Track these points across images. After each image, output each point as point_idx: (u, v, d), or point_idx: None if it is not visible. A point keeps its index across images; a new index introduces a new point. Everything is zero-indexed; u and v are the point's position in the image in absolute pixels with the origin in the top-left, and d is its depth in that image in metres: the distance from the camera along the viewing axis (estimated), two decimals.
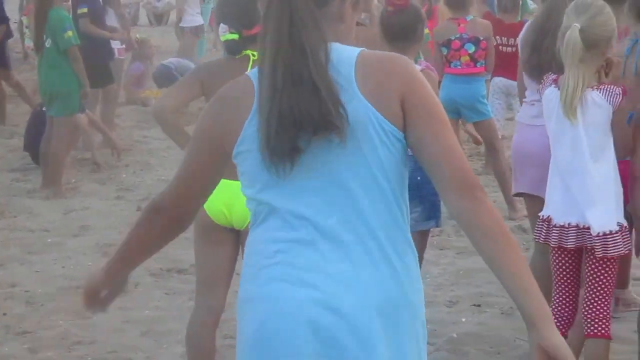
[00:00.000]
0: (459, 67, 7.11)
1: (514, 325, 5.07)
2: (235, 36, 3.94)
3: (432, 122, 2.22)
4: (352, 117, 2.18)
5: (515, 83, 8.14)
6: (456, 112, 7.20)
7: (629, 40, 4.39)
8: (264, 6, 2.23)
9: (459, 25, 7.10)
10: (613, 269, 4.10)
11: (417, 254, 2.33)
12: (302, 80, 2.16)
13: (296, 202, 2.22)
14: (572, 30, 3.94)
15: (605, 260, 4.05)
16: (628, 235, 4.17)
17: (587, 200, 4.06)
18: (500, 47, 7.91)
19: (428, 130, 2.22)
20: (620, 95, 4.06)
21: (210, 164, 2.34)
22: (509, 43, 7.99)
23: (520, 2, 8.67)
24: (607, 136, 4.11)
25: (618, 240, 4.05)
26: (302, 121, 2.16)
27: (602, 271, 4.07)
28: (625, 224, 4.12)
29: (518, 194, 5.19)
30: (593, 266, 4.08)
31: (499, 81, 8.12)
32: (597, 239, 4.02)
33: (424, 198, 4.77)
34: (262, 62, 2.21)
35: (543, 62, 4.56)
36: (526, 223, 7.03)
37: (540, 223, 4.23)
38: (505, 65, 7.82)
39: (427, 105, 2.25)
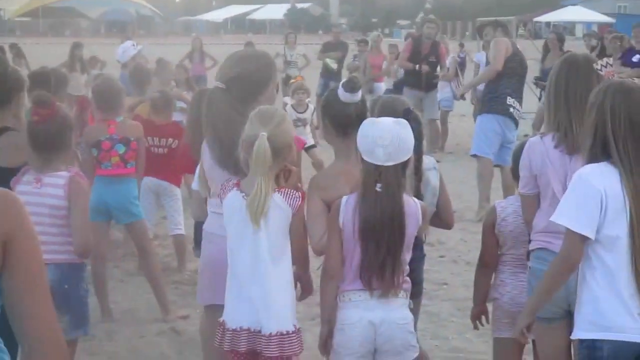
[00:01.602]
0: (110, 168, 7.02)
1: None
2: None
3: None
4: None
5: (165, 183, 8.24)
6: (107, 214, 7.09)
7: None
8: None
9: (109, 126, 7.03)
10: None
11: None
12: None
13: None
14: (261, 139, 4.07)
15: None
16: (301, 337, 4.25)
17: (264, 304, 4.12)
18: (152, 148, 7.94)
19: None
20: (300, 199, 4.19)
21: None
22: (161, 144, 8.06)
23: (175, 103, 8.82)
24: (286, 239, 4.20)
25: (294, 340, 4.15)
26: None
27: None
28: (298, 326, 4.22)
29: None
30: None
31: (149, 181, 8.13)
32: (273, 339, 4.10)
33: (71, 307, 4.86)
34: None
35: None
36: (180, 324, 7.03)
37: (218, 327, 4.25)
38: (156, 167, 7.86)
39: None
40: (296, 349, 4.19)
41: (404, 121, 4.17)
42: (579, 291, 3.78)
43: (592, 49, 16.48)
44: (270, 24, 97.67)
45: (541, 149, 4.45)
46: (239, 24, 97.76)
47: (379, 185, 4.08)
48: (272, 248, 4.17)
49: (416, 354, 4.27)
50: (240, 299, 4.18)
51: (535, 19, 71.49)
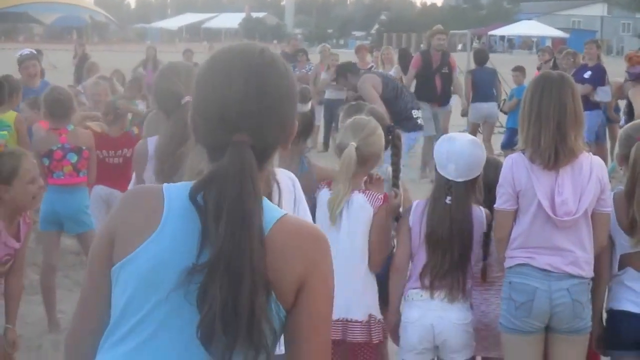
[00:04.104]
0: (62, 177, 6.94)
1: None
2: None
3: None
4: None
5: (117, 192, 8.14)
6: (58, 224, 7.01)
7: None
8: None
9: (60, 135, 6.96)
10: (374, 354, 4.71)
11: None
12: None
13: None
14: (349, 148, 4.53)
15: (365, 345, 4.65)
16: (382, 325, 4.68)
17: (351, 293, 4.55)
18: (106, 158, 7.82)
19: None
20: (382, 201, 4.62)
21: None
22: (116, 154, 7.92)
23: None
24: (366, 235, 4.64)
25: (378, 328, 4.63)
26: None
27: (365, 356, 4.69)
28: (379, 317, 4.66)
29: None
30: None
31: (101, 190, 8.02)
32: (357, 326, 4.60)
33: None
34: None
35: None
36: None
37: None
38: (109, 175, 7.74)
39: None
40: (380, 335, 4.63)
41: (478, 141, 4.64)
42: None
43: (545, 63, 16.64)
44: (225, 33, 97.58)
45: (526, 165, 4.44)
46: (194, 33, 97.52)
47: (449, 198, 4.48)
48: (353, 242, 4.59)
49: (471, 354, 4.62)
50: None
51: (490, 33, 72.23)
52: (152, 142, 4.97)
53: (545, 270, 4.40)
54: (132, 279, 2.04)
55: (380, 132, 4.67)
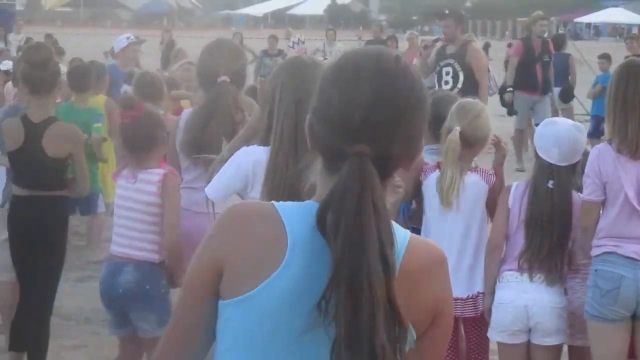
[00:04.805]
0: None
1: None
2: None
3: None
4: None
5: None
6: None
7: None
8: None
9: None
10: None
11: None
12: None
13: None
14: (453, 133, 4.50)
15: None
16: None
17: (467, 269, 4.67)
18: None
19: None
20: (494, 177, 4.70)
21: None
22: None
23: None
24: (481, 212, 4.72)
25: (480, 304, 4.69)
26: None
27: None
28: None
29: None
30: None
31: None
32: (469, 302, 4.67)
33: (155, 306, 4.88)
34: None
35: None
36: None
37: None
38: None
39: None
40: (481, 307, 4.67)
41: (580, 126, 4.63)
42: None
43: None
44: (310, 19, 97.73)
45: (612, 155, 4.44)
46: (279, 19, 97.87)
47: (551, 182, 4.48)
48: (470, 222, 4.66)
49: (565, 339, 4.61)
50: None
51: (576, 20, 71.03)
52: (185, 115, 5.07)
53: (631, 258, 4.40)
54: (253, 317, 1.87)
55: (486, 114, 4.68)
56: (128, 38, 11.21)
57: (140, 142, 4.93)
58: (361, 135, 1.86)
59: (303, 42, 20.85)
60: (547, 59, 13.67)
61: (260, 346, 1.88)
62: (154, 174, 4.93)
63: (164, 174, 4.93)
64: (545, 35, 14.25)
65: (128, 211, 4.95)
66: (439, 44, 10.17)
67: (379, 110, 1.87)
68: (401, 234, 1.92)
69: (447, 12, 10.40)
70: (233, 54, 4.86)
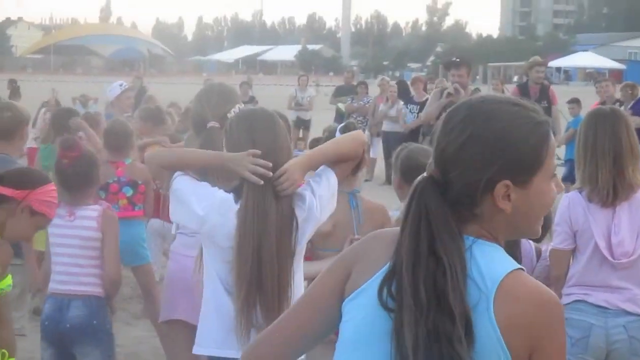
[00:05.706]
0: (117, 210, 6.93)
1: None
2: None
3: None
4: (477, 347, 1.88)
5: (169, 225, 8.13)
6: None
7: None
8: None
9: (117, 168, 6.98)
10: None
11: None
12: (444, 300, 1.89)
13: None
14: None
15: None
16: None
17: None
18: (161, 190, 7.84)
19: None
20: None
21: None
22: None
23: None
24: None
25: None
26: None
27: None
28: None
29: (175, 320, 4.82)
30: None
31: (155, 222, 8.02)
32: None
33: (101, 342, 5.01)
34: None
35: None
36: None
37: None
38: (163, 207, 7.74)
39: None
40: None
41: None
42: None
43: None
44: (281, 65, 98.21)
45: (583, 205, 4.45)
46: (250, 64, 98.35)
47: None
48: None
49: None
50: None
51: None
52: None
53: (601, 306, 4.39)
54: (360, 311, 2.00)
55: None
56: (121, 85, 11.13)
57: (79, 182, 5.09)
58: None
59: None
60: (546, 105, 13.16)
61: (365, 338, 1.99)
62: (92, 210, 5.10)
63: (103, 210, 5.12)
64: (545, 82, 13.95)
65: (68, 248, 5.03)
66: (445, 92, 10.18)
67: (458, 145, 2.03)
68: (503, 267, 1.96)
69: (458, 60, 10.48)
70: (222, 98, 4.81)
